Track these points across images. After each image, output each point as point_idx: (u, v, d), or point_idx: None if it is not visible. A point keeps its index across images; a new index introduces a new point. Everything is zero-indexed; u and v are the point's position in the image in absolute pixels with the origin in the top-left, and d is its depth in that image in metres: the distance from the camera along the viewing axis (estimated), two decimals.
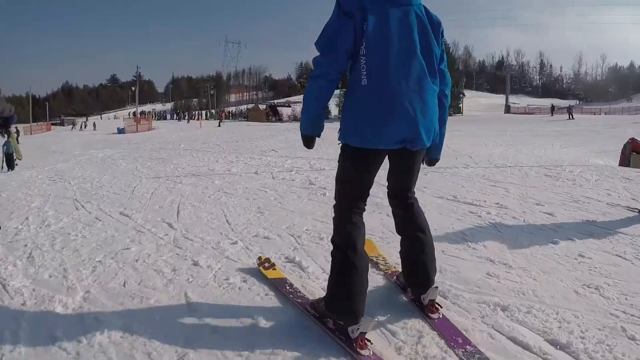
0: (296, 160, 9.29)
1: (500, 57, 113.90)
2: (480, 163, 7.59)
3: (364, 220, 2.00)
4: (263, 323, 2.11)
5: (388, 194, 2.20)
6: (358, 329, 1.79)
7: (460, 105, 60.94)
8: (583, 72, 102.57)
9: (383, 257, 2.86)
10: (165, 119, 72.08)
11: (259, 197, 5.23)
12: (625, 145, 9.61)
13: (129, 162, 10.55)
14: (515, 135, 15.14)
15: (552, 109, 40.15)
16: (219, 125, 38.25)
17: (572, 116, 31.41)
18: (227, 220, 4.16)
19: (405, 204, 2.14)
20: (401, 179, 2.12)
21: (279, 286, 2.48)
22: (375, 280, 2.54)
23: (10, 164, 12.32)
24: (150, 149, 14.56)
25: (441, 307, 2.09)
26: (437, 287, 2.09)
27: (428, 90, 1.85)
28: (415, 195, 2.19)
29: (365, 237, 2.02)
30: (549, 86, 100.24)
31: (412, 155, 1.96)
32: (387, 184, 2.20)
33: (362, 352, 1.77)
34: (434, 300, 2.07)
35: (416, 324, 2.05)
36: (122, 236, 3.73)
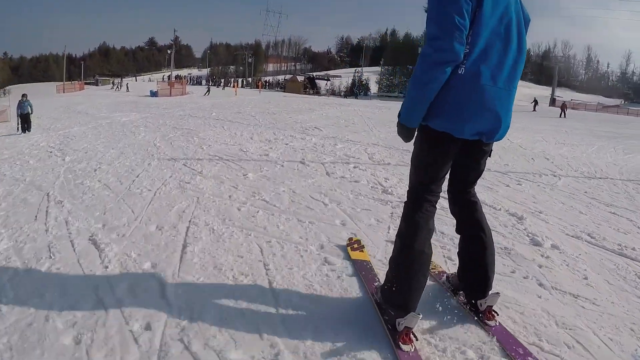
0: (347, 145, 7.56)
1: (547, 47, 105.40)
2: (564, 170, 6.41)
3: (434, 216, 1.83)
4: None
5: (449, 190, 1.99)
6: (402, 322, 1.66)
7: None
8: (630, 72, 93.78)
9: None
10: (200, 84, 70.46)
11: (316, 216, 3.34)
12: None
13: (149, 132, 8.96)
14: (572, 133, 13.68)
15: (535, 103, 35.89)
16: (207, 93, 32.93)
17: (565, 114, 28.25)
18: (269, 282, 2.24)
19: (468, 201, 1.96)
20: (468, 173, 1.93)
21: (358, 268, 2.38)
22: None
23: (28, 125, 11.02)
24: (179, 116, 13.05)
25: (498, 315, 1.88)
26: (498, 293, 1.89)
27: (514, 88, 1.74)
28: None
29: None
30: (595, 82, 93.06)
31: (484, 147, 1.84)
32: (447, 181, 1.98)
33: (404, 347, 1.64)
34: (492, 306, 1.88)
35: (473, 330, 1.83)
36: (58, 322, 1.87)
